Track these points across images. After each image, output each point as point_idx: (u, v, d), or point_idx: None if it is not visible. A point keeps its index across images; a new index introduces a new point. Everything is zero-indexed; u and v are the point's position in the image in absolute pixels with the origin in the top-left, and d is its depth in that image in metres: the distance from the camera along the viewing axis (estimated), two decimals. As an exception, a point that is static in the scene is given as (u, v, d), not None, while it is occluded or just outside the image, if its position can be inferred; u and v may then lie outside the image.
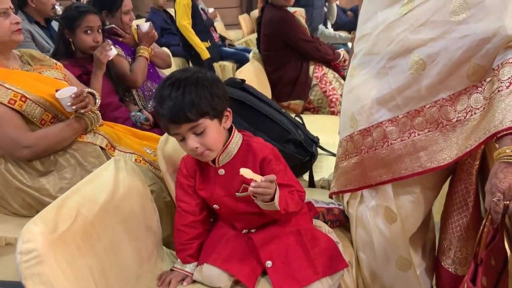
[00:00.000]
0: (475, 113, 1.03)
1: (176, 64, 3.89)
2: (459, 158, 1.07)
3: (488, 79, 1.00)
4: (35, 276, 0.82)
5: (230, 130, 1.17)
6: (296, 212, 1.14)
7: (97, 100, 1.65)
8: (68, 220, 0.93)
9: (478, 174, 1.16)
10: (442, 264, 1.27)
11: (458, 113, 1.06)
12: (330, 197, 1.44)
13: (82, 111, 1.51)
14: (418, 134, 1.12)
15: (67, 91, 1.48)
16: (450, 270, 1.25)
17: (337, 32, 3.62)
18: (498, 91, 0.96)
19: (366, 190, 1.28)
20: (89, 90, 1.62)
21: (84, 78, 1.93)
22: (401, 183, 1.20)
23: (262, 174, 1.09)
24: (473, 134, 1.03)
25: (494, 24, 0.96)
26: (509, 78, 0.94)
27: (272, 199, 1.03)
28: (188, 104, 1.03)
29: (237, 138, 1.18)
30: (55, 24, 2.64)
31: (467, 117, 1.04)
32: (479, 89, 1.02)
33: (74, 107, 1.47)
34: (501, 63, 0.96)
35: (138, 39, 2.18)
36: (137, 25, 2.18)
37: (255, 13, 5.40)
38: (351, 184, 1.30)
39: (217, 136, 1.10)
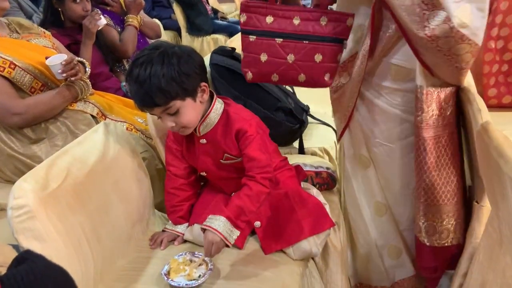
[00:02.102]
0: None
1: (168, 37, 3.85)
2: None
3: None
4: (27, 231, 0.85)
5: (211, 97, 1.16)
6: (266, 196, 1.13)
7: (87, 69, 1.65)
8: (58, 179, 0.94)
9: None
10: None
11: None
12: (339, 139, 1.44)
13: (72, 78, 1.51)
14: None
15: (57, 58, 1.48)
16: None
17: None
18: None
19: (346, 140, 1.33)
20: (79, 58, 1.62)
21: (73, 48, 1.91)
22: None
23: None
24: None
25: None
26: None
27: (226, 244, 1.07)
28: (155, 89, 1.00)
29: (218, 106, 1.16)
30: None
31: None
32: None
33: (64, 74, 1.47)
34: None
35: (126, 8, 2.16)
36: None
37: (248, -15, 5.29)
38: (343, 116, 1.32)
39: (192, 114, 1.08)
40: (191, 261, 1.09)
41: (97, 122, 1.58)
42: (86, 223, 0.99)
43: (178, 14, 3.97)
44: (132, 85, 1.04)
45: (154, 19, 2.59)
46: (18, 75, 1.44)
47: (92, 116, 1.60)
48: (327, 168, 1.43)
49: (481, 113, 1.08)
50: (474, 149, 1.19)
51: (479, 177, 1.13)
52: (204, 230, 1.08)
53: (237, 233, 1.08)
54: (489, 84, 1.78)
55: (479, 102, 1.09)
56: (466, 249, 1.23)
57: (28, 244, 0.85)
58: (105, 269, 1.05)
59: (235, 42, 2.08)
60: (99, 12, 1.90)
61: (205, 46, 3.96)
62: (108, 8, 2.16)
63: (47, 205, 0.89)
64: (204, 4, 4.10)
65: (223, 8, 5.07)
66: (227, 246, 1.08)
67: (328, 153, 1.69)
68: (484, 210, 1.16)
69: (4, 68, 1.41)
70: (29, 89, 1.49)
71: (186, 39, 3.98)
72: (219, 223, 1.07)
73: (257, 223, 1.18)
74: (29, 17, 2.31)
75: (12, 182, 1.52)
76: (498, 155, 0.83)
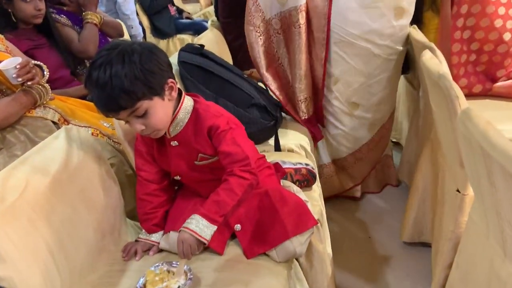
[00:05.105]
0: None
1: (131, 39, 3.72)
2: None
3: None
4: (-18, 251, 0.75)
5: (180, 95, 1.09)
6: (247, 189, 1.07)
7: (45, 72, 1.54)
8: (16, 191, 0.85)
9: None
10: None
11: None
12: None
13: (29, 83, 1.40)
14: None
15: (11, 62, 1.37)
16: None
17: None
18: None
19: None
20: (36, 62, 1.51)
21: (31, 52, 1.79)
22: None
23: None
24: None
25: None
26: None
27: (201, 242, 1.01)
28: (118, 91, 0.92)
29: (187, 105, 1.09)
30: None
31: None
32: None
33: (20, 79, 1.36)
34: None
35: (81, 5, 2.04)
36: None
37: (212, -15, 5.23)
38: None
39: (161, 114, 1.01)
40: (168, 271, 1.02)
41: (59, 129, 1.48)
42: (50, 237, 0.90)
43: (142, 16, 3.86)
44: (92, 90, 0.95)
45: (116, 19, 2.48)
46: (-32, 82, 1.32)
47: (54, 122, 1.49)
48: (306, 165, 1.39)
49: (459, 100, 1.07)
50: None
51: (460, 166, 1.12)
52: None
53: (213, 228, 1.01)
54: (459, 75, 1.80)
55: (456, 90, 1.07)
56: (449, 240, 1.22)
57: (-16, 266, 0.75)
58: (75, 286, 0.96)
59: (204, 41, 2.02)
60: None
61: (171, 47, 3.87)
62: (65, 8, 2.04)
63: (4, 221, 0.80)
64: (168, 7, 4.00)
65: (188, 8, 4.98)
66: (203, 244, 1.01)
67: (305, 149, 1.65)
68: (467, 199, 1.15)
69: (-47, 75, 1.29)
70: (-18, 96, 1.37)
71: (151, 42, 3.87)
72: (191, 221, 1.01)
73: (237, 226, 1.12)
74: None
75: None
76: (484, 140, 0.80)
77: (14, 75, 1.35)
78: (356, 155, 1.98)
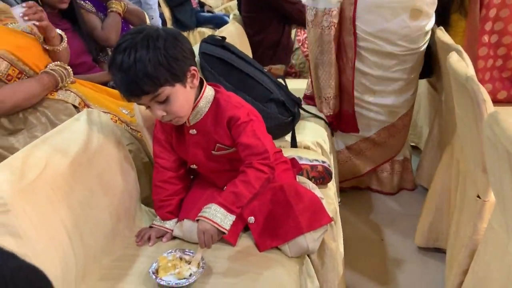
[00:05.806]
0: None
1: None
2: None
3: None
4: (1, 226, 0.76)
5: (201, 84, 1.09)
6: (265, 182, 1.06)
7: (63, 36, 1.57)
8: (36, 170, 0.86)
9: None
10: None
11: None
12: None
13: (37, 23, 1.43)
14: None
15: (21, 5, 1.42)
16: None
17: None
18: None
19: None
20: (57, 30, 1.56)
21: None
22: None
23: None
24: None
25: None
26: None
27: (221, 232, 1.00)
28: (141, 75, 0.92)
29: (208, 94, 1.08)
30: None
31: None
32: None
33: (26, 17, 1.39)
34: None
35: None
36: None
37: (235, -20, 5.23)
38: None
39: (183, 101, 1.01)
40: (181, 258, 1.02)
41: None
42: (67, 217, 0.91)
43: (164, 7, 3.88)
44: (116, 74, 0.96)
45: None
46: (-7, 62, 1.34)
47: (74, 106, 1.50)
48: (323, 162, 1.37)
49: (486, 103, 1.04)
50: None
51: (483, 171, 1.09)
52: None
53: (232, 217, 1.01)
54: (484, 80, 1.76)
55: (484, 93, 1.05)
56: (466, 246, 1.19)
57: (2, 240, 0.76)
58: (89, 267, 0.97)
59: (225, 33, 2.02)
60: None
61: (191, 40, 3.87)
62: (91, -6, 2.05)
63: (23, 198, 0.81)
64: (190, 0, 4.02)
65: (210, 2, 4.99)
66: (223, 233, 1.01)
67: (321, 147, 1.63)
68: (487, 205, 1.12)
69: (-22, 54, 1.31)
70: (5, 76, 1.38)
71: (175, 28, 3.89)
72: (209, 211, 1.00)
73: (251, 219, 1.11)
74: (9, 4, 2.18)
75: (-13, 176, 1.45)
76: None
77: (20, 14, 1.38)
78: (374, 139, 2.00)
